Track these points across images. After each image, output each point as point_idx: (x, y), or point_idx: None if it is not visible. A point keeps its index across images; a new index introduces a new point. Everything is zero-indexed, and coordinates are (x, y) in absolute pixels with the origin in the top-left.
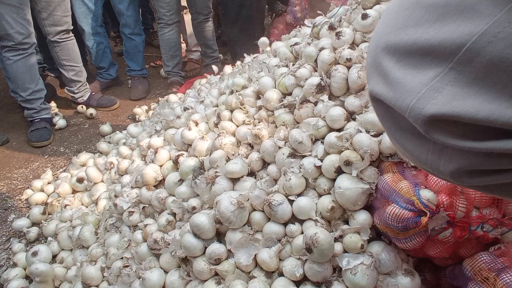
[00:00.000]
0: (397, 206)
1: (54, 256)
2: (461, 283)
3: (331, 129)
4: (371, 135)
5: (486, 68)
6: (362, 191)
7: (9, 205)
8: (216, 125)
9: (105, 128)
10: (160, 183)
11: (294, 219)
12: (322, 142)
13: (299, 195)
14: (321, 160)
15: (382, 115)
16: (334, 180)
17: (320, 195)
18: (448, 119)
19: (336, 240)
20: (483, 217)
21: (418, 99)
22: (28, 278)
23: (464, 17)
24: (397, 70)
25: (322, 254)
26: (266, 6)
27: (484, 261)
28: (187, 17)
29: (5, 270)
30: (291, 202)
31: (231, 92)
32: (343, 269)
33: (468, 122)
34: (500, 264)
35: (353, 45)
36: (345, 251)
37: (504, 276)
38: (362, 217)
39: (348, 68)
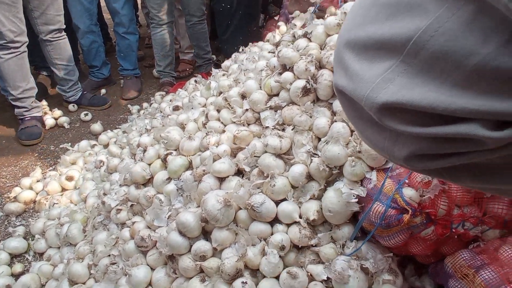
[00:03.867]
0: (380, 204)
1: (41, 254)
2: (443, 280)
3: (318, 138)
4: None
5: (430, 60)
6: (352, 212)
7: None
8: (204, 125)
9: (96, 127)
10: (148, 182)
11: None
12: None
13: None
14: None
15: (345, 106)
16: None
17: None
18: (398, 107)
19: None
20: (464, 215)
21: (372, 89)
22: (14, 276)
23: (412, 13)
24: (356, 63)
25: None
26: (260, 8)
27: (464, 258)
28: (181, 19)
29: None
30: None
31: (219, 93)
32: (333, 279)
33: (415, 109)
34: (480, 261)
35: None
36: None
37: (483, 273)
38: (346, 230)
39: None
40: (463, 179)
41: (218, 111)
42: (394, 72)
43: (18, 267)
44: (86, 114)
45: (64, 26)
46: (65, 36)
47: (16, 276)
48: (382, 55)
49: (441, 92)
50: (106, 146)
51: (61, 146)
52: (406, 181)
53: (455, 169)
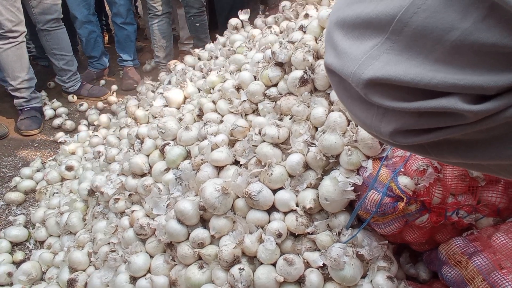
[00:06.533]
0: (376, 192)
1: (42, 242)
2: (437, 267)
3: (316, 128)
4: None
5: (413, 36)
6: (348, 200)
7: None
8: (199, 116)
9: (95, 118)
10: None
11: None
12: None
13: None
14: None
15: (335, 85)
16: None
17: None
18: (383, 83)
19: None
20: (458, 204)
21: (359, 66)
22: (15, 263)
23: None
24: (345, 42)
25: None
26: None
27: (458, 245)
28: (180, 11)
29: None
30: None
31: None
32: (329, 266)
33: (399, 84)
34: (473, 248)
35: None
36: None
37: (475, 259)
38: (342, 218)
39: None
40: (446, 155)
41: (214, 102)
42: (380, 49)
43: (19, 255)
44: (81, 105)
45: (62, 16)
46: (63, 26)
47: (17, 264)
48: (369, 33)
49: (423, 67)
50: (104, 137)
51: (59, 139)
52: (402, 169)
53: (438, 145)
